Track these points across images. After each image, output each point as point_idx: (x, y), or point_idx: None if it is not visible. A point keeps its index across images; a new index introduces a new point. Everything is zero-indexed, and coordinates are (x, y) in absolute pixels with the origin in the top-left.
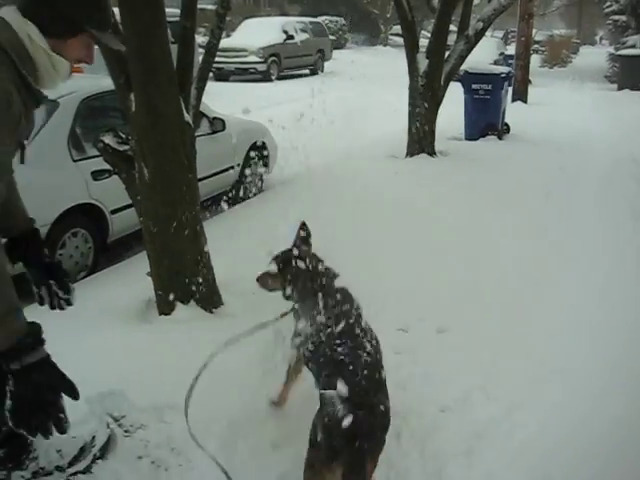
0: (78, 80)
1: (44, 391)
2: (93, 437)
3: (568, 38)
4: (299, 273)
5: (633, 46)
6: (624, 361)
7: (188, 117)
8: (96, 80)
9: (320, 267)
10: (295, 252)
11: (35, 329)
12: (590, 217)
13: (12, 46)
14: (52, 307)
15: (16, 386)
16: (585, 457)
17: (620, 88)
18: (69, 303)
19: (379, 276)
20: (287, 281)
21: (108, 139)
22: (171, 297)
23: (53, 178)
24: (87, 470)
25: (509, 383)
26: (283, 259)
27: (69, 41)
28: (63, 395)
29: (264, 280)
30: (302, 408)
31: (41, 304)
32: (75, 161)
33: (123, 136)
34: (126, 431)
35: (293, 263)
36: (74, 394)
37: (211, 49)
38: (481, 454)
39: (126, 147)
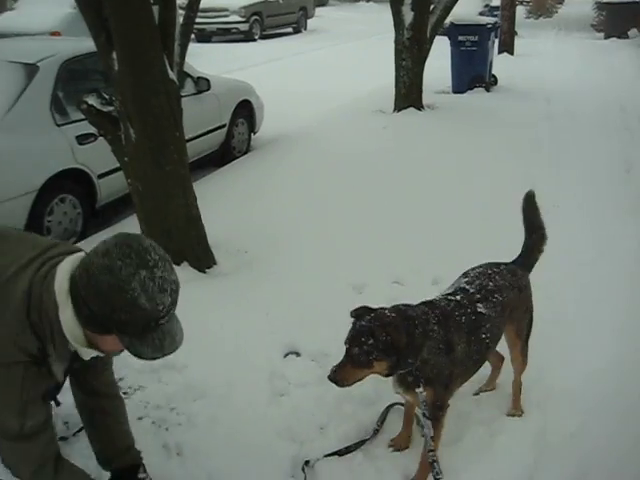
0: (57, 42)
1: None
2: None
3: None
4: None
5: None
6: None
7: (172, 74)
8: (76, 42)
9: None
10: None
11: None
12: (579, 167)
13: (51, 325)
14: None
15: None
16: None
17: (607, 37)
18: None
19: (369, 231)
20: (399, 352)
21: (92, 100)
22: None
23: (37, 144)
24: None
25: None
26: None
27: (104, 336)
28: None
29: (345, 374)
30: None
31: None
32: (59, 125)
33: (107, 97)
34: (125, 393)
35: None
36: None
37: (192, 5)
38: None
39: (110, 108)
